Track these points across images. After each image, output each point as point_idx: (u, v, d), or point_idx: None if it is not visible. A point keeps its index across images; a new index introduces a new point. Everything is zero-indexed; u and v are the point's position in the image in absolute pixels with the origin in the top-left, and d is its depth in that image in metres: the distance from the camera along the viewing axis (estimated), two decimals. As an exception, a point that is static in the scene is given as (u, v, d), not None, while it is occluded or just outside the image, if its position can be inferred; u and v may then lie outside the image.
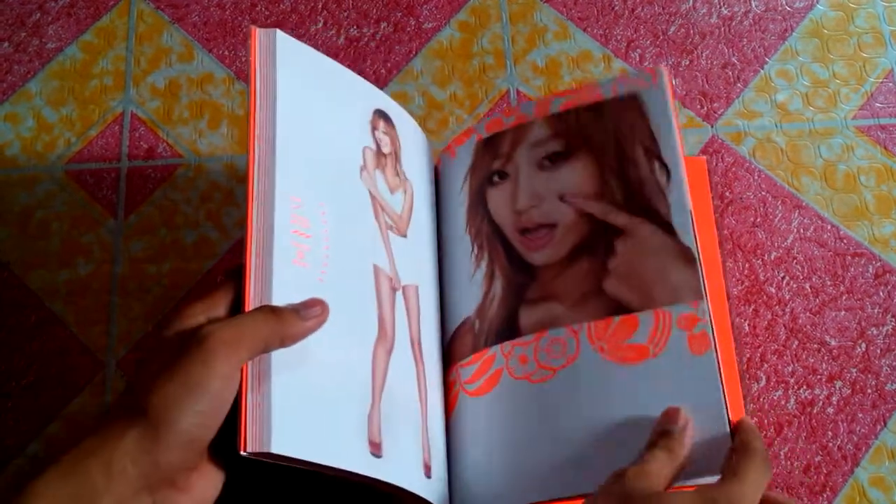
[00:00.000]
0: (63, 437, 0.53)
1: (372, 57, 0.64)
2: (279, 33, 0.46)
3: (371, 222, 0.48)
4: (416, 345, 0.47)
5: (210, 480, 0.37)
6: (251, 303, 0.39)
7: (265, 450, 0.35)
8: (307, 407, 0.38)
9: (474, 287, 0.49)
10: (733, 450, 0.38)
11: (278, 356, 0.38)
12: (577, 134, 0.50)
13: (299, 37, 0.64)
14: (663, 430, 0.40)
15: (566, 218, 0.48)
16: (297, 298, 0.40)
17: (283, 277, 0.40)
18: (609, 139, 0.49)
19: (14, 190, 0.60)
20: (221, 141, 0.61)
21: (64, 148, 0.61)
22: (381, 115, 0.51)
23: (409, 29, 0.65)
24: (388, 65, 0.64)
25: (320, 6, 0.66)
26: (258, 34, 0.45)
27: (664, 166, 0.47)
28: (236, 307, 0.40)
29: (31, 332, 0.56)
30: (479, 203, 0.51)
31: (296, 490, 0.44)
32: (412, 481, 0.42)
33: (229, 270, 0.42)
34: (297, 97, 0.45)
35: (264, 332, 0.37)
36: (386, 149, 0.50)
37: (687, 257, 0.44)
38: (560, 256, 0.48)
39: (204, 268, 0.58)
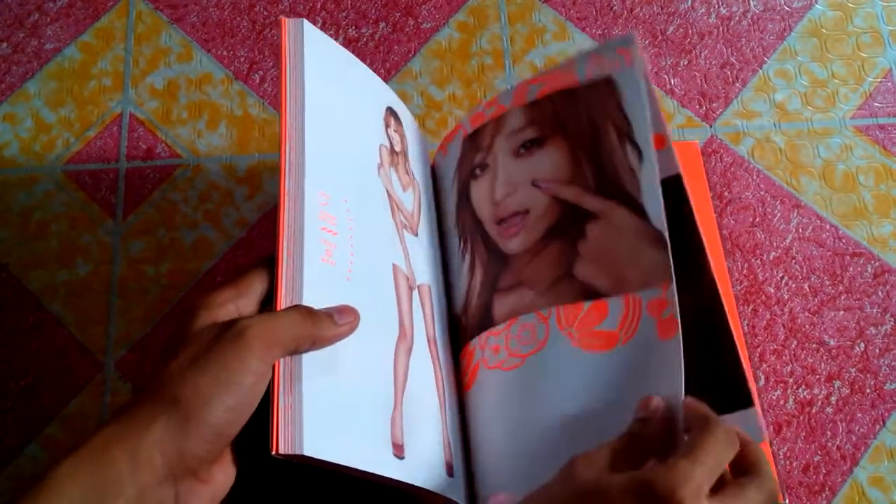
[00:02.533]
0: (62, 437, 0.53)
1: (371, 57, 0.64)
2: (306, 24, 0.45)
3: (389, 220, 0.47)
4: (432, 344, 0.47)
5: (228, 472, 0.37)
6: (283, 300, 0.39)
7: (298, 452, 0.35)
8: (337, 409, 0.38)
9: (461, 282, 0.49)
10: (691, 426, 0.36)
11: (310, 357, 0.38)
12: (551, 120, 0.49)
13: (298, 37, 0.64)
14: (637, 419, 0.38)
15: (539, 204, 0.48)
16: (326, 297, 0.39)
17: (313, 275, 0.40)
18: (583, 124, 0.48)
19: (13, 190, 0.60)
20: (220, 141, 0.61)
21: (62, 148, 0.61)
22: (392, 112, 0.51)
23: (407, 29, 0.65)
24: (387, 65, 0.64)
25: (318, 6, 0.65)
26: (288, 25, 0.45)
27: (636, 147, 0.46)
28: (266, 297, 0.40)
29: (30, 332, 0.56)
30: (464, 198, 0.51)
31: (304, 483, 0.44)
32: (437, 482, 0.42)
33: (260, 257, 0.41)
34: (324, 91, 0.45)
35: (299, 332, 0.37)
36: (397, 147, 0.50)
37: (656, 240, 0.42)
38: (532, 242, 0.47)
39: (203, 268, 0.58)
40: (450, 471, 0.43)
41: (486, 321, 0.47)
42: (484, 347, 0.46)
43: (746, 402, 0.41)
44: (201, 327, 0.37)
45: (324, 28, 0.65)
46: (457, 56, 0.64)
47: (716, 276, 0.43)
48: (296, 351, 0.37)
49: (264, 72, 0.63)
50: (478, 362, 0.46)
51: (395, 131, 0.51)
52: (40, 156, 0.61)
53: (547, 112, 0.50)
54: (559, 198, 0.47)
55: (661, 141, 0.46)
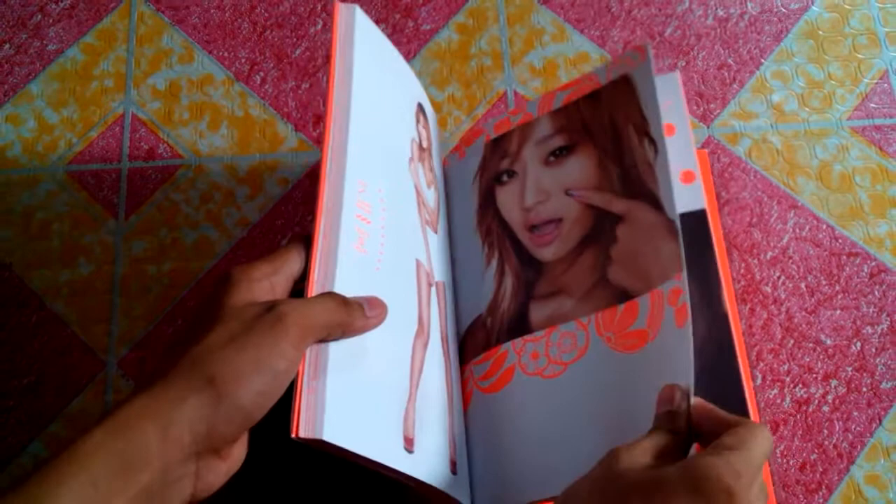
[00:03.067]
0: (64, 436, 0.54)
1: (371, 58, 0.64)
2: (358, 11, 0.46)
3: (415, 215, 0.48)
4: (445, 341, 0.47)
5: (243, 449, 0.37)
6: (315, 285, 0.39)
7: (317, 437, 0.35)
8: (358, 398, 0.38)
9: (486, 285, 0.50)
10: (730, 425, 0.36)
11: (336, 345, 0.38)
12: (578, 126, 0.50)
13: (299, 38, 0.65)
14: (664, 412, 0.38)
15: (572, 212, 0.49)
16: (357, 285, 0.40)
17: (346, 262, 0.40)
18: (606, 125, 0.49)
19: (15, 190, 0.60)
20: (221, 142, 0.62)
21: (65, 149, 0.62)
22: (421, 108, 0.52)
23: (407, 30, 0.65)
24: (387, 66, 0.64)
25: (319, 8, 0.66)
26: (340, 10, 0.45)
27: (652, 141, 0.46)
28: (300, 277, 0.40)
29: (33, 331, 0.57)
30: (488, 202, 0.52)
31: (308, 466, 0.44)
32: (441, 478, 0.42)
33: (296, 235, 0.41)
34: (370, 79, 0.45)
35: (332, 321, 0.37)
36: (425, 143, 0.51)
37: (671, 230, 0.43)
38: (567, 250, 0.48)
39: (204, 267, 0.58)
40: (454, 468, 0.44)
41: (521, 326, 0.47)
42: (520, 353, 0.47)
43: None
44: (239, 304, 0.36)
45: (324, 29, 0.65)
46: (456, 57, 0.64)
47: (717, 275, 0.44)
48: (326, 339, 0.37)
49: (265, 73, 0.64)
50: (512, 365, 0.46)
51: (424, 127, 0.52)
52: (43, 156, 0.62)
53: (574, 119, 0.51)
54: (591, 205, 0.48)
55: (690, 176, 0.47)
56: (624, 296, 0.44)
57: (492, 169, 0.53)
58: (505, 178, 0.52)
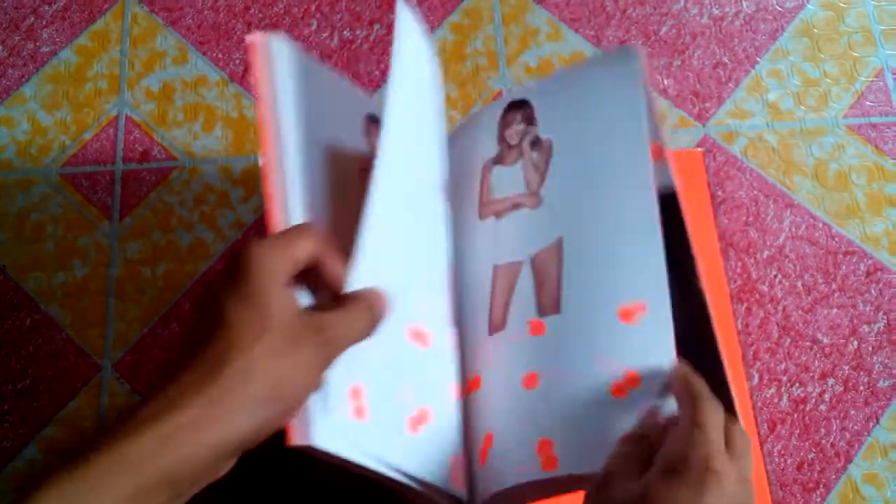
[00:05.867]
0: (60, 439, 0.54)
1: (365, 59, 0.64)
2: (276, 39, 0.45)
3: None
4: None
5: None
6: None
7: (309, 444, 0.35)
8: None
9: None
10: (682, 401, 0.37)
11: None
12: None
13: (293, 39, 0.65)
14: (642, 428, 0.39)
15: None
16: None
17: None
18: None
19: (9, 193, 0.60)
20: (216, 143, 0.61)
21: (59, 151, 0.62)
22: (372, 119, 0.51)
23: (402, 31, 0.65)
24: (382, 66, 0.64)
25: (314, 8, 0.66)
26: (258, 41, 0.44)
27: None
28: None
29: (27, 334, 0.56)
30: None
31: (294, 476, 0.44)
32: (441, 480, 0.41)
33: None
34: (298, 104, 0.45)
35: (365, 334, 0.38)
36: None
37: None
38: None
39: (199, 269, 0.58)
40: (455, 475, 0.43)
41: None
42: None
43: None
44: (278, 310, 0.35)
45: (318, 30, 0.65)
46: (451, 57, 0.64)
47: (713, 278, 0.44)
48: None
49: (260, 74, 0.64)
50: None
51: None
52: (36, 158, 0.61)
53: None
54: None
55: (659, 151, 0.45)
56: None
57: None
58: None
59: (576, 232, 0.44)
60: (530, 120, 0.49)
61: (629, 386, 0.40)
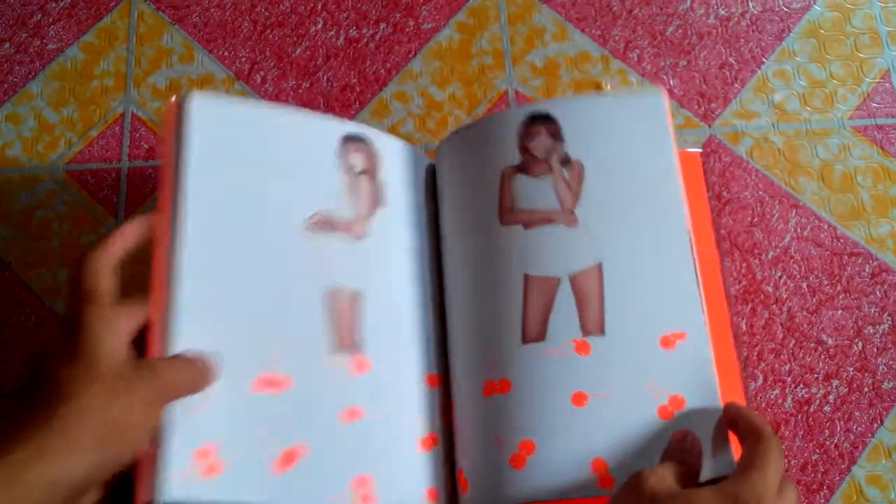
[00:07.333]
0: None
1: (371, 57, 0.64)
2: (196, 97, 0.46)
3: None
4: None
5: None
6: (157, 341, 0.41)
7: (157, 501, 0.37)
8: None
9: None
10: (746, 438, 0.39)
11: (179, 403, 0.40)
12: None
13: (299, 37, 0.65)
14: (676, 449, 0.42)
15: None
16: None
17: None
18: None
19: (15, 190, 0.60)
20: (221, 141, 0.62)
21: (65, 148, 0.62)
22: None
23: (408, 30, 0.65)
24: (388, 65, 0.64)
25: (320, 7, 0.66)
26: (174, 104, 0.46)
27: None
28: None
29: (33, 331, 0.57)
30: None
31: None
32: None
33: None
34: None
35: (192, 383, 0.40)
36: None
37: None
38: None
39: (204, 267, 0.58)
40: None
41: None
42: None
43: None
44: (111, 357, 0.37)
45: (324, 28, 0.65)
46: (457, 56, 0.64)
47: (711, 280, 0.45)
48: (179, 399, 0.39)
49: (265, 72, 0.64)
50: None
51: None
52: (43, 155, 0.61)
53: None
54: None
55: None
56: None
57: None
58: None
59: (615, 258, 0.47)
60: (556, 135, 0.50)
61: (675, 408, 0.43)
